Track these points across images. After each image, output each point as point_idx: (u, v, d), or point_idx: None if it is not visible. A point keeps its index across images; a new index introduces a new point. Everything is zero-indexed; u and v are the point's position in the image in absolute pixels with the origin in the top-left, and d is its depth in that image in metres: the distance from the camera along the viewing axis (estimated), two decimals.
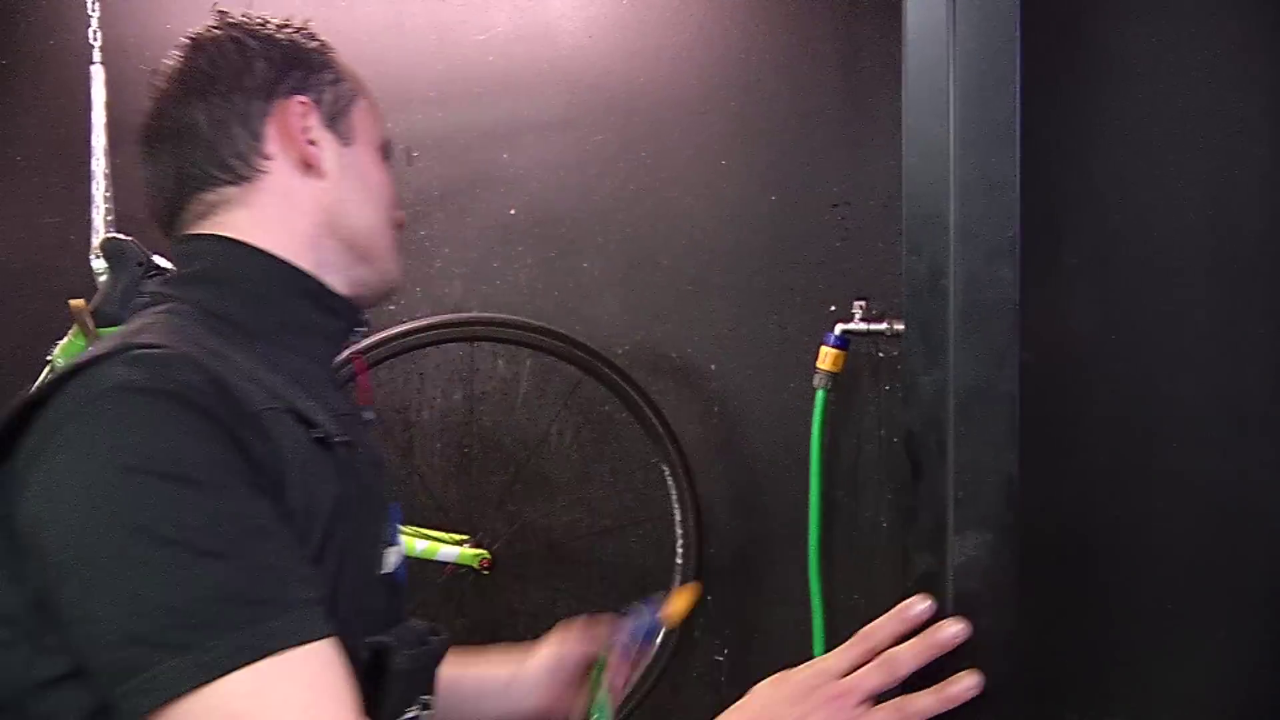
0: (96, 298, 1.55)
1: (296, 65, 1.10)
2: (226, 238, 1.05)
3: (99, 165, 1.71)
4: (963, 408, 0.97)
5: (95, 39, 1.72)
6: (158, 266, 1.57)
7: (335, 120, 1.11)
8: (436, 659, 1.09)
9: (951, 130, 0.98)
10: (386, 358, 1.83)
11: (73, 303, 1.52)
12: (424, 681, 1.07)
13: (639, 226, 2.09)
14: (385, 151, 1.17)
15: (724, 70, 2.06)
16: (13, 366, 2.17)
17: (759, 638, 2.05)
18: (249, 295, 1.04)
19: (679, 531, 1.95)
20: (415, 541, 1.77)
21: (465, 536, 1.83)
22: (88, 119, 1.86)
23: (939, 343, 0.99)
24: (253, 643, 0.79)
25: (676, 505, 1.94)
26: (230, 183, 1.06)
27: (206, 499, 0.81)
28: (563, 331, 1.91)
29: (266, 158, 1.07)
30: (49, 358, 1.62)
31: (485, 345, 2.05)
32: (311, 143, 1.08)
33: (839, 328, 1.92)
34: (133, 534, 0.79)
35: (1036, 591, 1.13)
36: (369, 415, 1.17)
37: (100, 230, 1.67)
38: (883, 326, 1.88)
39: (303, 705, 0.80)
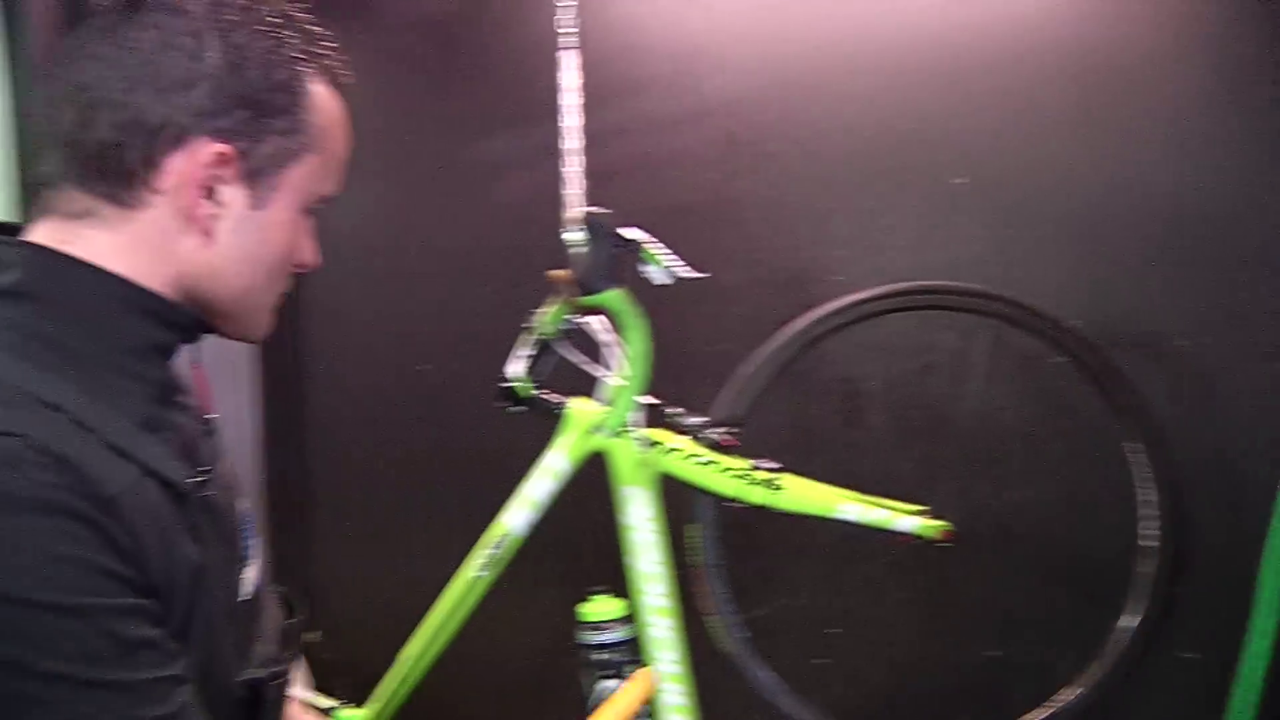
0: (576, 269, 1.65)
1: (246, 103, 0.93)
2: (48, 250, 0.92)
3: (572, 144, 1.80)
4: None
5: (564, 25, 1.81)
6: (628, 240, 1.65)
7: (257, 177, 0.95)
8: (296, 646, 1.10)
9: None
10: (844, 325, 1.83)
11: (554, 274, 1.63)
12: (289, 679, 1.08)
13: (1096, 194, 1.97)
14: (313, 209, 1.02)
15: (1189, 25, 1.91)
16: (489, 337, 2.38)
17: (1235, 640, 1.87)
18: (80, 319, 0.91)
19: (1151, 514, 1.82)
20: (870, 510, 1.76)
21: (924, 508, 1.79)
22: (553, 102, 2.00)
23: None
24: None
25: (1151, 486, 1.81)
26: (104, 198, 0.92)
27: (83, 624, 0.78)
28: (1025, 301, 1.83)
29: (154, 191, 0.92)
30: (526, 327, 1.75)
31: (933, 317, 2.01)
32: (211, 194, 0.93)
33: None
34: (9, 670, 0.76)
35: None
36: (212, 424, 1.08)
37: (575, 206, 1.77)
38: None
39: None
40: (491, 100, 2.39)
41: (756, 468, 1.74)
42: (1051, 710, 1.83)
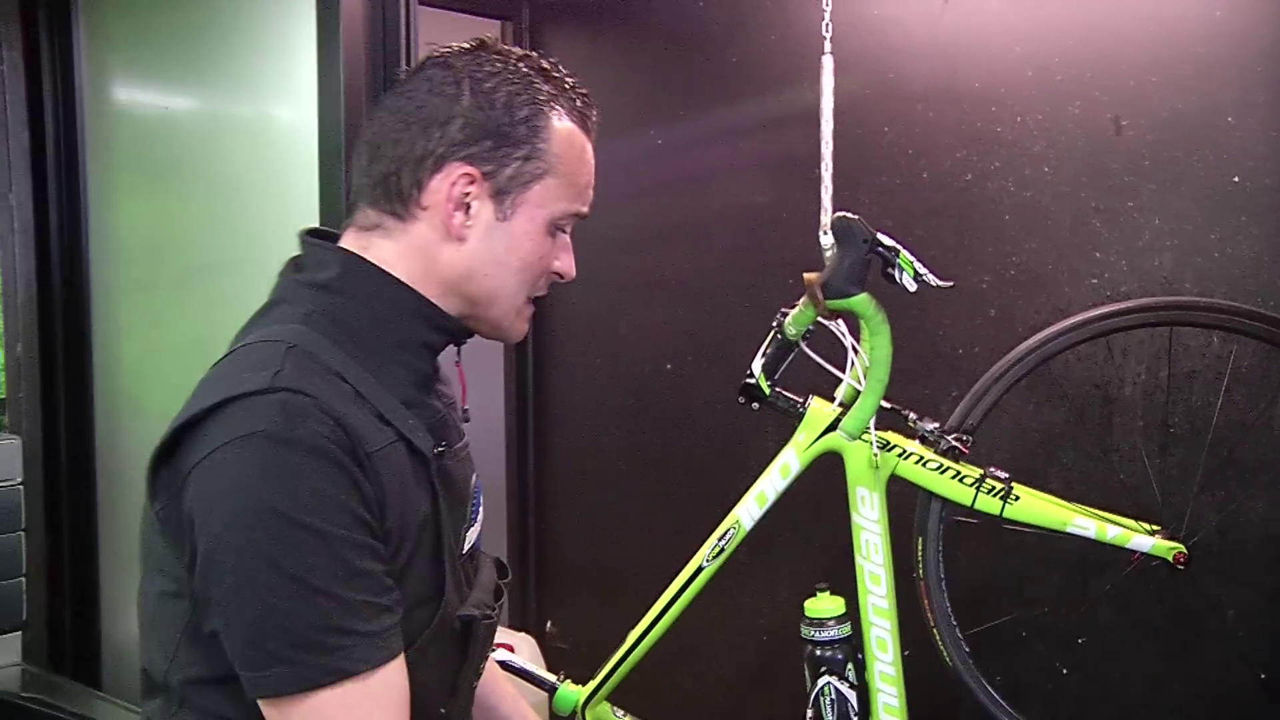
0: (826, 271, 1.68)
1: (490, 135, 1.16)
2: (356, 256, 1.18)
3: (827, 149, 1.82)
4: None
5: (827, 31, 1.83)
6: (882, 243, 1.67)
7: (502, 194, 1.17)
8: (503, 604, 1.31)
9: None
10: (1081, 341, 1.78)
11: (807, 276, 1.67)
12: (495, 629, 1.29)
13: None
14: (564, 227, 1.22)
15: None
16: (733, 332, 2.44)
17: None
18: (372, 314, 1.16)
19: None
20: (1107, 528, 1.70)
21: (1157, 527, 1.72)
22: (801, 102, 2.01)
23: None
24: (341, 666, 1.02)
25: None
26: (387, 213, 1.18)
27: (324, 545, 1.02)
28: (1272, 314, 1.70)
29: (421, 207, 1.17)
30: (774, 326, 1.80)
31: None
32: (467, 208, 1.16)
33: None
34: (268, 567, 1.01)
35: None
36: (465, 415, 1.33)
37: (828, 209, 1.80)
38: None
39: (373, 717, 1.05)
40: (741, 103, 2.45)
41: (989, 476, 1.72)
42: None
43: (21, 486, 2.30)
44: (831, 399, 1.79)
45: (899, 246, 1.69)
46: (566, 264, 1.25)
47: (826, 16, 1.86)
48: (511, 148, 1.17)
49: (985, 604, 2.05)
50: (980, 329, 2.12)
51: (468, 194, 1.16)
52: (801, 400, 1.81)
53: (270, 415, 1.03)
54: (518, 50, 1.22)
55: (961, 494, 1.72)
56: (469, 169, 1.16)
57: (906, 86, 2.19)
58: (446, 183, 1.16)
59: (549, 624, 2.83)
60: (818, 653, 1.71)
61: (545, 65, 1.22)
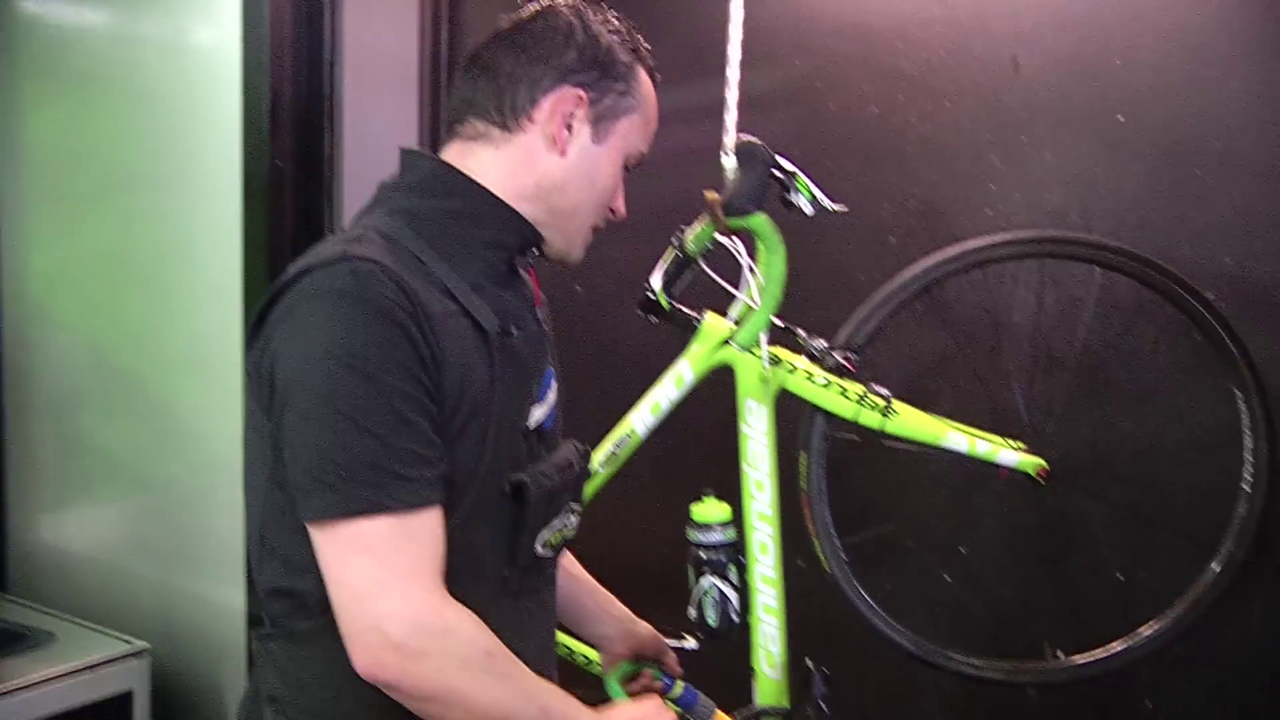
0: (727, 191, 1.74)
1: (597, 66, 1.33)
2: (443, 162, 1.33)
3: (734, 75, 1.87)
4: None
5: None
6: (782, 167, 1.72)
7: (600, 120, 1.33)
8: (578, 478, 1.41)
9: None
10: (959, 271, 1.88)
11: (708, 194, 1.72)
12: (564, 500, 1.37)
13: (1267, 137, 1.89)
14: (630, 165, 1.39)
15: None
16: (649, 252, 2.49)
17: None
18: (449, 211, 1.30)
19: (1248, 459, 1.81)
20: (977, 442, 1.79)
21: (1021, 445, 1.81)
22: (711, 35, 2.04)
23: None
24: (380, 500, 1.14)
25: (1248, 432, 1.78)
26: (496, 124, 1.33)
27: (375, 390, 1.14)
28: (1128, 249, 1.79)
29: (530, 120, 1.32)
30: (673, 242, 1.85)
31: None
32: (569, 127, 1.32)
33: None
34: (322, 403, 1.15)
35: None
36: (540, 312, 1.41)
37: (731, 132, 1.85)
38: None
39: (407, 553, 1.15)
40: (659, 37, 2.48)
41: (871, 392, 1.79)
42: (1129, 644, 1.86)
43: None
44: (726, 316, 1.85)
45: (797, 171, 1.75)
46: (621, 202, 1.42)
47: None
48: (613, 80, 1.34)
49: (864, 518, 2.14)
50: (881, 256, 2.18)
51: (573, 114, 1.32)
52: (698, 315, 1.87)
53: (342, 277, 1.17)
54: (615, 12, 1.39)
55: (845, 408, 1.79)
56: (580, 92, 1.32)
57: (817, 21, 2.23)
58: (559, 101, 1.31)
59: None
60: (702, 555, 1.77)
61: (627, 23, 1.39)
